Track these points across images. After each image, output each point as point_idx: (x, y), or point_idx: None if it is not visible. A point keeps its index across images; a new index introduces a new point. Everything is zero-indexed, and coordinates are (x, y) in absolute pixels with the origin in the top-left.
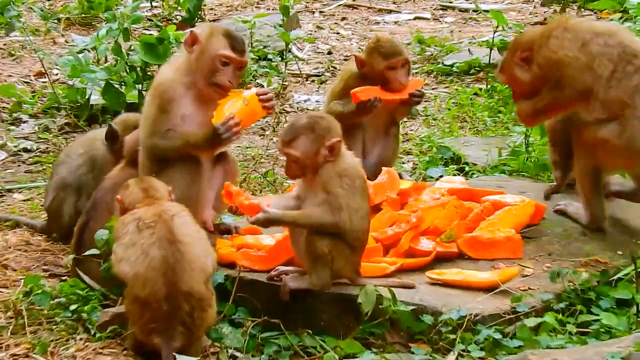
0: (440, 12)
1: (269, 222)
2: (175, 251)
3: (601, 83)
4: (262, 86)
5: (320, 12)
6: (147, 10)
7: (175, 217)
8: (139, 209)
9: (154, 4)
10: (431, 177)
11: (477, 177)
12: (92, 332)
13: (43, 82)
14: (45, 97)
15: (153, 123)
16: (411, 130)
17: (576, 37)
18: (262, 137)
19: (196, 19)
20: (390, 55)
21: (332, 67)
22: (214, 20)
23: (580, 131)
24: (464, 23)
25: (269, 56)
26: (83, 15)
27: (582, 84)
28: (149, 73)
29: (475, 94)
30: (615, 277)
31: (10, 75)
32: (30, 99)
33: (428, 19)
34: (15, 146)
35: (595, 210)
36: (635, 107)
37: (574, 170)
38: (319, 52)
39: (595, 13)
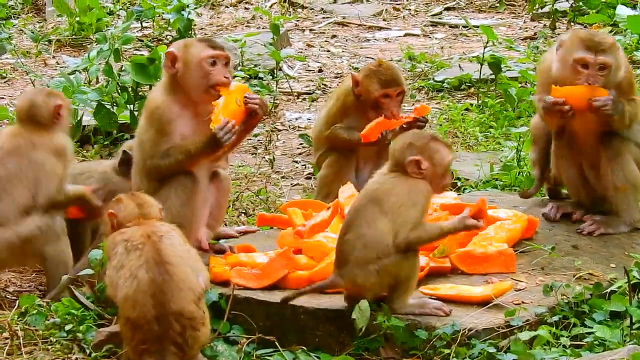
0: (431, 28)
1: None
2: (163, 272)
3: None
4: None
5: (311, 30)
6: (137, 31)
7: (163, 237)
8: (129, 229)
9: (144, 24)
10: None
11: (469, 192)
12: (88, 351)
13: None
14: None
15: (153, 146)
16: None
17: None
18: (254, 155)
19: (186, 38)
20: (388, 84)
21: (323, 84)
22: None
23: None
24: (454, 39)
25: (260, 75)
26: (74, 36)
27: None
28: (140, 93)
29: (467, 109)
30: (608, 290)
31: (2, 98)
32: None
33: (418, 36)
34: None
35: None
36: None
37: (617, 177)
38: (310, 70)
39: (585, 27)
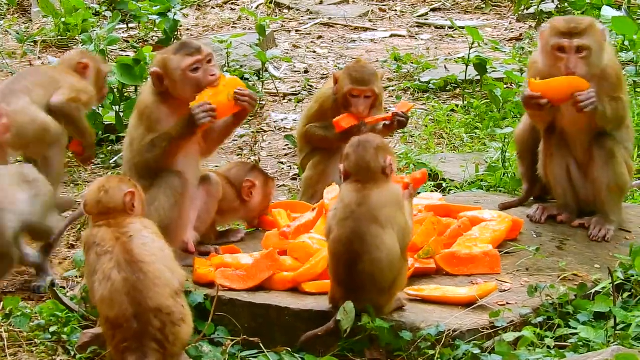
0: (416, 29)
1: None
2: (136, 271)
3: None
4: None
5: (297, 31)
6: (123, 32)
7: (134, 237)
8: (99, 231)
9: (130, 25)
10: None
11: (454, 193)
12: (72, 353)
13: None
14: None
15: (142, 142)
16: None
17: None
18: (239, 156)
19: (172, 40)
20: (356, 82)
21: (309, 85)
22: None
23: None
24: (440, 40)
25: (246, 75)
26: (59, 37)
27: None
28: (126, 94)
29: (452, 110)
30: (592, 291)
31: None
32: None
33: (404, 37)
34: None
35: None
36: None
37: (609, 179)
38: (296, 71)
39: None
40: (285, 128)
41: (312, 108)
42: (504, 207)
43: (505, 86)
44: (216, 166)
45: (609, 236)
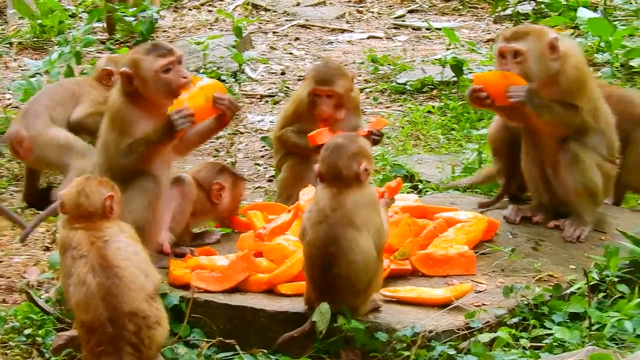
0: (393, 30)
1: None
2: (111, 276)
3: None
4: None
5: (274, 32)
6: (99, 33)
7: (109, 241)
8: (75, 234)
9: (106, 26)
10: None
11: (430, 194)
12: (47, 356)
13: None
14: None
15: (116, 147)
16: None
17: None
18: (216, 157)
19: (149, 41)
20: (317, 82)
21: (285, 87)
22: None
23: None
24: (417, 41)
25: (223, 77)
26: (35, 39)
27: None
28: None
29: (429, 111)
30: (567, 292)
31: None
32: None
33: (381, 38)
34: None
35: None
36: None
37: (577, 183)
38: (273, 73)
39: None
40: (261, 130)
41: (287, 110)
42: (483, 206)
43: None
44: (192, 167)
45: (583, 237)
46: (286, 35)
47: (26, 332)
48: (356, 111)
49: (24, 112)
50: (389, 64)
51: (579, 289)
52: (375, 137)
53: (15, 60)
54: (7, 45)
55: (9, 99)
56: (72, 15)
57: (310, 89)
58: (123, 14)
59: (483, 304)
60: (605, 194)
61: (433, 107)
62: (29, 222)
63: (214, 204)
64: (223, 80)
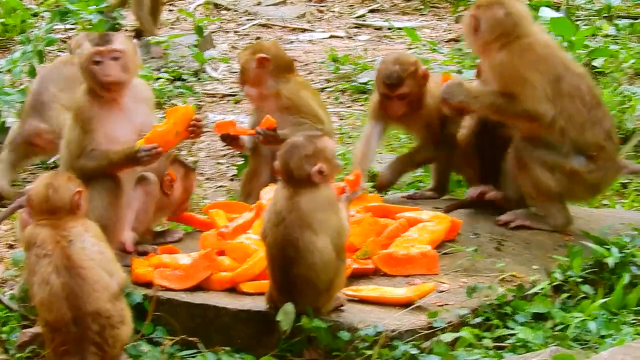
0: (355, 30)
1: None
2: (74, 276)
3: None
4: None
5: (235, 32)
6: (61, 33)
7: (73, 241)
8: (40, 231)
9: (67, 26)
10: None
11: (392, 194)
12: (12, 352)
13: None
14: None
15: (79, 145)
16: None
17: None
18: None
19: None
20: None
21: None
22: None
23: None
24: (378, 41)
25: (184, 76)
26: None
27: None
28: None
29: None
30: (531, 292)
31: None
32: None
33: (342, 38)
34: None
35: (565, 212)
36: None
37: (526, 185)
38: (234, 72)
39: None
40: None
41: None
42: (449, 209)
43: None
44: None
45: (514, 225)
46: (247, 35)
47: None
48: (294, 110)
49: (32, 106)
50: (350, 64)
51: (542, 289)
52: (264, 135)
53: None
54: None
55: None
56: (35, 15)
57: None
58: (82, 12)
59: (446, 304)
60: (577, 194)
61: None
62: None
63: (166, 195)
64: (184, 80)
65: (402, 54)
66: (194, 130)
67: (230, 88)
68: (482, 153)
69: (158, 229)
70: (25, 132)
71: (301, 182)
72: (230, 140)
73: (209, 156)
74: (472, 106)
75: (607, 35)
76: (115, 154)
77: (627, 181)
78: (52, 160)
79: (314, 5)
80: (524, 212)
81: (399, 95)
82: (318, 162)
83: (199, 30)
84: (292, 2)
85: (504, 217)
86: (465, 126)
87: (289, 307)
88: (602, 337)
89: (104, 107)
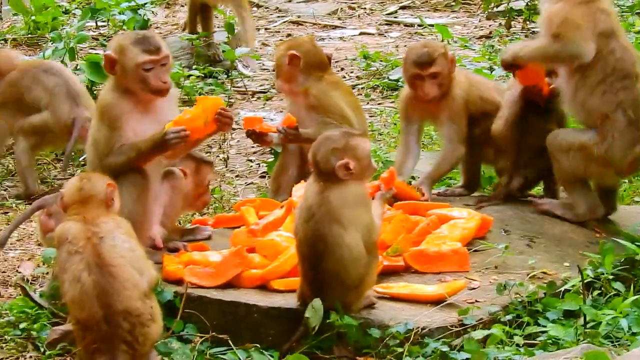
0: (386, 27)
1: None
2: (106, 274)
3: None
4: None
5: (266, 29)
6: (92, 30)
7: (104, 238)
8: (72, 227)
9: (99, 23)
10: None
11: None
12: (42, 350)
13: None
14: None
15: (107, 143)
16: None
17: None
18: (208, 154)
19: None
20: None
21: None
22: None
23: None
24: (409, 38)
25: (215, 74)
26: (29, 35)
27: None
28: (95, 92)
29: None
30: (562, 289)
31: None
32: None
33: (373, 34)
34: None
35: (590, 200)
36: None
37: (557, 173)
38: (265, 69)
39: None
40: None
41: None
42: (480, 203)
43: None
44: None
45: (541, 208)
46: (278, 32)
47: (21, 326)
48: (320, 109)
49: (73, 95)
50: (381, 61)
51: (573, 286)
52: (284, 133)
53: None
54: (2, 42)
55: None
56: (66, 12)
57: None
58: (115, 10)
59: (476, 301)
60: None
61: None
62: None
63: None
64: (215, 77)
65: (428, 40)
66: (221, 119)
67: (261, 85)
68: (518, 144)
69: (187, 226)
70: (79, 121)
71: (330, 177)
72: (256, 136)
73: (239, 153)
74: (522, 56)
75: None
76: (144, 142)
77: None
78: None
79: (345, 2)
80: (558, 202)
81: (431, 74)
82: (345, 157)
83: (229, 27)
84: None
85: (539, 201)
86: (501, 117)
87: (317, 304)
88: (634, 334)
89: (132, 105)
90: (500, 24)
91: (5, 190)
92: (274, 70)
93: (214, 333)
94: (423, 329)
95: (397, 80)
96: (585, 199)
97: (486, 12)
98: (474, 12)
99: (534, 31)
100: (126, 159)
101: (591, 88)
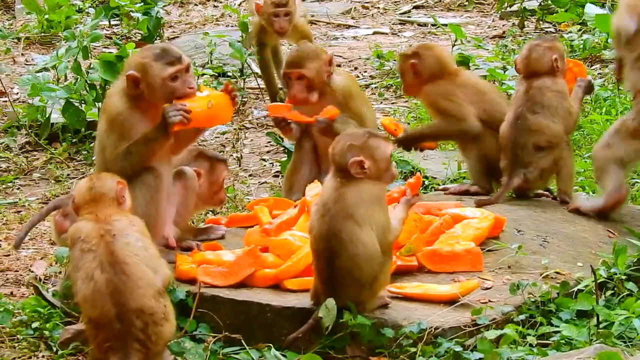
0: (399, 26)
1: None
2: (119, 272)
3: None
4: None
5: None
6: (105, 29)
7: (117, 236)
8: (85, 225)
9: (112, 22)
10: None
11: (437, 190)
12: (54, 349)
13: (3, 101)
14: (5, 116)
15: (113, 149)
16: None
17: None
18: (222, 153)
19: (155, 37)
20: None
21: None
22: (173, 38)
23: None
24: (423, 37)
25: (229, 73)
26: (43, 34)
27: None
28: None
29: None
30: (575, 289)
31: None
32: None
33: (387, 34)
34: None
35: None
36: None
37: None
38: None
39: (554, 25)
40: (267, 125)
41: None
42: (481, 204)
43: None
44: None
45: (582, 209)
46: None
47: (34, 325)
48: (343, 103)
49: None
50: (395, 60)
51: (586, 286)
52: (321, 125)
53: (22, 55)
54: (15, 40)
55: (17, 93)
56: (79, 10)
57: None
58: (130, 9)
59: (490, 301)
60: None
61: None
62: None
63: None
64: (229, 76)
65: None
66: (226, 88)
67: None
68: (515, 146)
69: (200, 225)
70: None
71: (346, 173)
72: (285, 124)
73: (252, 152)
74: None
75: None
76: (149, 133)
77: None
78: None
79: (359, 2)
80: (582, 197)
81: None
82: (361, 155)
83: (243, 26)
84: None
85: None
86: (506, 119)
87: (330, 303)
88: None
89: (143, 112)
90: (513, 23)
91: (18, 189)
92: None
93: (226, 333)
94: (436, 328)
95: None
96: (615, 181)
97: (499, 11)
98: (488, 11)
99: (547, 31)
100: (136, 157)
101: (635, 65)
